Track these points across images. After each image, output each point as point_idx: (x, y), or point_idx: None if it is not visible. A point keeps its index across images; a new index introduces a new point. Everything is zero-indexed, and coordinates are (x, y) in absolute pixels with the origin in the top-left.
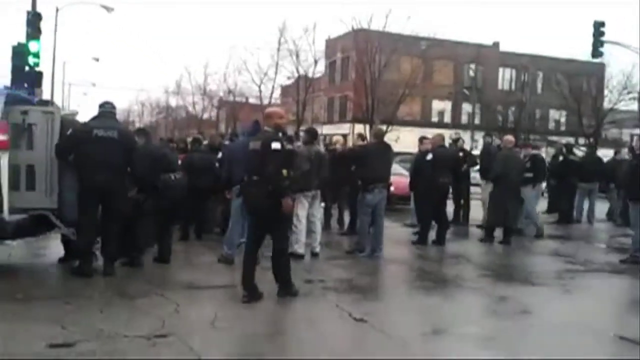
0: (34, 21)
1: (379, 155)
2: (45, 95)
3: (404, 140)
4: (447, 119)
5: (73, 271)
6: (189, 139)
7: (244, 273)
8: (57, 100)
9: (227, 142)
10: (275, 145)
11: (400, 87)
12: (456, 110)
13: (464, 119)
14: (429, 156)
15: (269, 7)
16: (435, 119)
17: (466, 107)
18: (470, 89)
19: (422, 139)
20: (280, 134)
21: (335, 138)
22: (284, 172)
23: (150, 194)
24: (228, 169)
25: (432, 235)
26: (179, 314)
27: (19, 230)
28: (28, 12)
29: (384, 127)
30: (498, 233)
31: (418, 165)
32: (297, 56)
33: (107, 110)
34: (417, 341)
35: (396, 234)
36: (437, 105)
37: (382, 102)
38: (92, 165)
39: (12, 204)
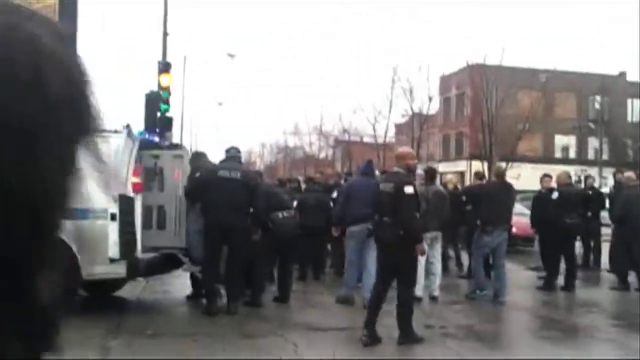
0: (164, 70)
1: (499, 195)
2: (175, 139)
3: (526, 177)
4: (572, 154)
5: (203, 309)
6: (301, 178)
7: (368, 314)
8: (186, 144)
9: (342, 182)
10: (409, 189)
11: (519, 122)
12: (582, 146)
13: (591, 154)
14: (555, 194)
15: (383, 44)
16: (558, 154)
17: (592, 142)
18: (596, 122)
19: (544, 177)
20: (411, 176)
21: (448, 177)
22: (417, 215)
23: (263, 232)
24: (342, 208)
25: (560, 281)
26: (297, 354)
27: (150, 268)
28: (159, 62)
29: (503, 164)
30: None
31: (541, 204)
32: (411, 93)
33: (231, 154)
34: None
35: (520, 278)
36: (560, 140)
37: (501, 138)
38: (217, 205)
39: (145, 242)
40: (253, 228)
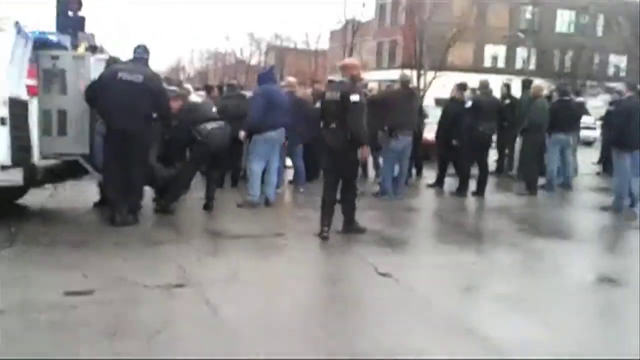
0: None
1: (403, 101)
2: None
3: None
4: (501, 64)
5: (106, 218)
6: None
7: (325, 215)
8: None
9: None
10: (354, 97)
11: (451, 31)
12: (510, 55)
13: (519, 64)
14: (469, 103)
15: None
16: (488, 64)
17: (521, 52)
18: (526, 32)
19: (455, 86)
20: (356, 85)
21: (370, 85)
22: (363, 122)
23: (192, 143)
24: (263, 115)
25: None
26: (199, 261)
27: (50, 175)
28: None
29: (408, 73)
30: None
31: (450, 113)
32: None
33: (137, 55)
34: (442, 299)
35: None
36: (490, 50)
37: (432, 47)
38: (116, 109)
39: (44, 149)
40: (158, 135)
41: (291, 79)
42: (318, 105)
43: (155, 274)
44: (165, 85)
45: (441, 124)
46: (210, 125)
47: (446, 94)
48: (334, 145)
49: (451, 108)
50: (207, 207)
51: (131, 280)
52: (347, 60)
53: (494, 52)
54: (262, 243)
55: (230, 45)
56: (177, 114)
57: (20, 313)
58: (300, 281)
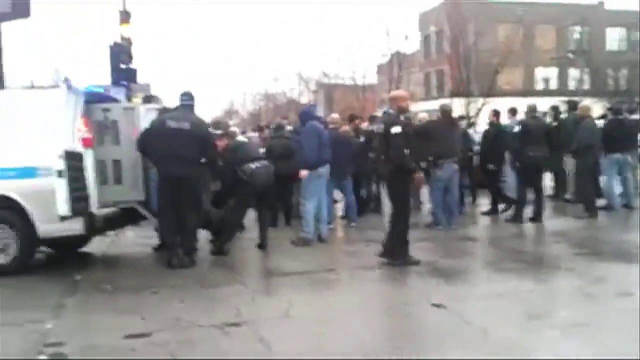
0: (124, 19)
1: (445, 130)
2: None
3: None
4: (554, 86)
5: (164, 261)
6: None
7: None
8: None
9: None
10: (395, 129)
11: (497, 56)
12: (562, 77)
13: (572, 85)
14: (516, 128)
15: None
16: (540, 87)
17: (573, 73)
18: (575, 52)
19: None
20: (402, 117)
21: (420, 115)
22: (406, 152)
23: (237, 183)
24: (316, 152)
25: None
26: (254, 301)
27: (109, 222)
28: (119, 12)
29: (448, 101)
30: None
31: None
32: (388, 34)
33: (183, 102)
34: (498, 328)
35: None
36: (541, 72)
37: (479, 74)
38: (166, 157)
39: (102, 198)
40: (210, 179)
41: (335, 115)
42: (362, 139)
43: (211, 314)
44: (211, 129)
45: (481, 149)
46: (254, 165)
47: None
48: (384, 176)
49: (489, 133)
50: (261, 246)
51: (187, 320)
52: (394, 93)
53: (545, 74)
54: (315, 279)
55: (280, 86)
56: (222, 154)
57: (84, 357)
58: (352, 315)
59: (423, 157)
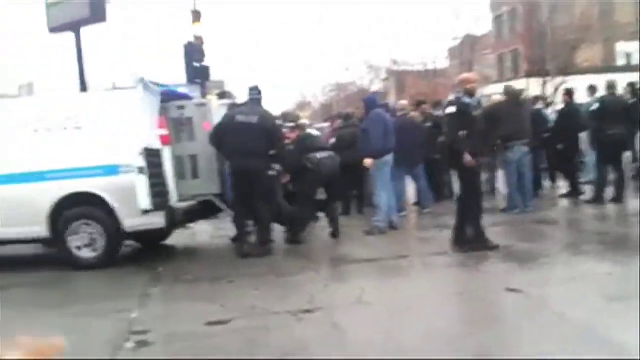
0: (195, 19)
1: (512, 112)
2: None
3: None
4: (636, 61)
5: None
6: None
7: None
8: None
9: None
10: (450, 109)
11: (574, 33)
12: None
13: None
14: (595, 105)
15: None
16: (622, 62)
17: None
18: None
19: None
20: (467, 99)
21: (495, 97)
22: (462, 133)
23: (304, 173)
24: (382, 140)
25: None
26: (326, 289)
27: (188, 215)
28: (191, 12)
29: (511, 84)
30: None
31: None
32: (457, 16)
33: (252, 96)
34: (575, 311)
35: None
36: (621, 47)
37: (556, 51)
38: (236, 150)
39: (181, 192)
40: (281, 171)
41: (404, 102)
42: (430, 124)
43: (285, 302)
44: (280, 122)
45: (553, 130)
46: (320, 155)
47: (577, 99)
48: (445, 159)
49: (562, 113)
50: (334, 235)
51: (263, 308)
52: (462, 75)
53: (626, 49)
54: (387, 266)
55: (350, 76)
56: (293, 143)
57: (168, 343)
58: (425, 302)
59: (491, 140)
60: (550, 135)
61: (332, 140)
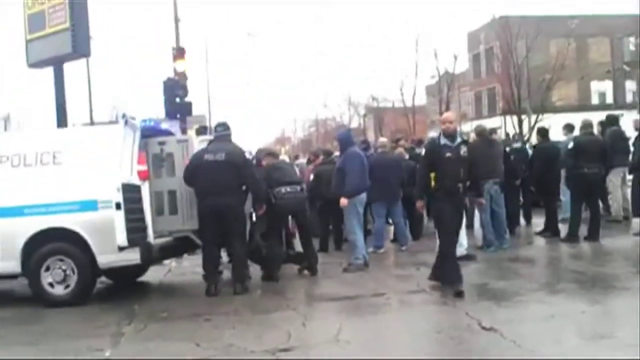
0: (178, 55)
1: (483, 151)
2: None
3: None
4: (610, 99)
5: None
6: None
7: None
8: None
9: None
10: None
11: (549, 72)
12: (619, 90)
13: (629, 97)
14: (570, 144)
15: (405, 8)
16: (595, 101)
17: (630, 85)
18: (631, 64)
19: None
20: (440, 138)
21: (471, 136)
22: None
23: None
24: (364, 179)
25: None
26: (304, 327)
27: (164, 252)
28: (173, 48)
29: (485, 122)
30: None
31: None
32: (436, 54)
33: (218, 133)
34: (548, 350)
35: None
36: (596, 86)
37: (532, 90)
38: (206, 189)
39: (158, 228)
40: (257, 204)
41: (384, 139)
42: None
43: (262, 340)
44: (249, 155)
45: (530, 167)
46: (285, 189)
47: (553, 136)
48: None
49: (536, 152)
50: (309, 270)
51: (240, 346)
52: (443, 115)
53: (600, 88)
54: (364, 304)
55: (329, 112)
56: (263, 173)
57: None
58: (401, 340)
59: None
60: (526, 173)
61: (311, 177)
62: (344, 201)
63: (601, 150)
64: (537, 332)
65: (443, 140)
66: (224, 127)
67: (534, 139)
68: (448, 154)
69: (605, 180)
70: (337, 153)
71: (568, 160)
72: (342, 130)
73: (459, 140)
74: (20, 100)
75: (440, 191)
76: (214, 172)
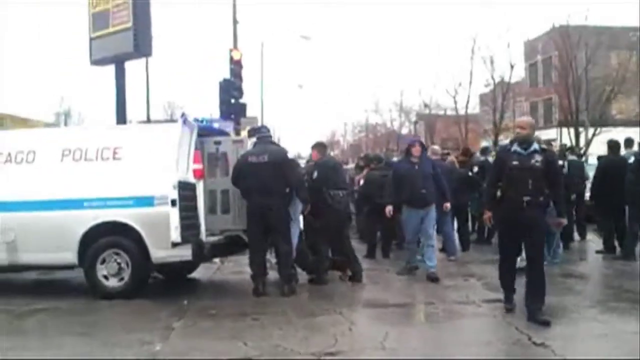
0: (236, 56)
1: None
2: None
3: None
4: None
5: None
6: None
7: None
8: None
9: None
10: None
11: (609, 84)
12: None
13: None
14: (631, 159)
15: (461, 13)
16: None
17: None
18: None
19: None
20: (514, 145)
21: None
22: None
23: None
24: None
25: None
26: (351, 331)
27: (215, 250)
28: (230, 50)
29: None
30: None
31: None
32: (492, 62)
33: (261, 135)
34: None
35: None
36: None
37: (591, 102)
38: (251, 190)
39: (211, 226)
40: (304, 205)
41: (435, 147)
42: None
43: (309, 343)
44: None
45: (593, 183)
46: (342, 192)
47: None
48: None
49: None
50: (355, 278)
51: (286, 348)
52: (518, 120)
53: None
54: (412, 312)
55: (380, 117)
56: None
57: None
58: (448, 350)
59: None
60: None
61: (362, 182)
62: (388, 209)
63: None
64: (588, 351)
65: (514, 147)
66: (265, 129)
67: (591, 152)
68: (515, 162)
69: None
70: (395, 159)
71: (630, 175)
72: (409, 137)
73: (533, 148)
74: (80, 96)
75: (503, 204)
76: (258, 173)
